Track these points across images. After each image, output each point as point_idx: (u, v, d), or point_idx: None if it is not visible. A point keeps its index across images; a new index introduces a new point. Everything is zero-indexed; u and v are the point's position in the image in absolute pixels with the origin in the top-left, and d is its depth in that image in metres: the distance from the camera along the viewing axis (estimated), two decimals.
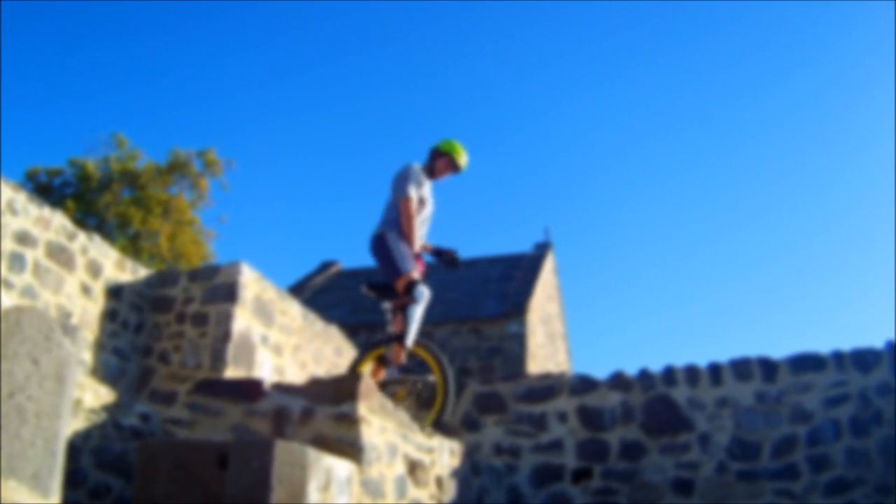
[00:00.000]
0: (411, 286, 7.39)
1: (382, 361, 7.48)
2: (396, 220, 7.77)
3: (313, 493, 4.22)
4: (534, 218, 62.62)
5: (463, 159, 8.20)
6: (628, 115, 60.47)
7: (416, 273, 7.56)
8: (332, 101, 61.81)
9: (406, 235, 7.71)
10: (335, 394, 5.04)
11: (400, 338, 7.32)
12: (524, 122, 61.25)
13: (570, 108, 61.46)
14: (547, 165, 62.93)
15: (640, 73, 59.38)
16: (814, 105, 58.42)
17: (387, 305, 7.64)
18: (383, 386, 7.02)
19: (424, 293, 7.46)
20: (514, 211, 62.32)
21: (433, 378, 7.26)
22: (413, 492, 5.47)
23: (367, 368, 7.50)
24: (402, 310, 7.39)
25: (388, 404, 5.42)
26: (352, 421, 4.90)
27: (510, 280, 20.86)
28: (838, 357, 8.15)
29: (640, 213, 61.60)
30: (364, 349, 7.81)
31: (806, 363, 8.20)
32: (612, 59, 60.49)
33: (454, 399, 7.54)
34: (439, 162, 8.16)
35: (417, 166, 8.05)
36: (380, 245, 7.70)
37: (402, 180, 7.90)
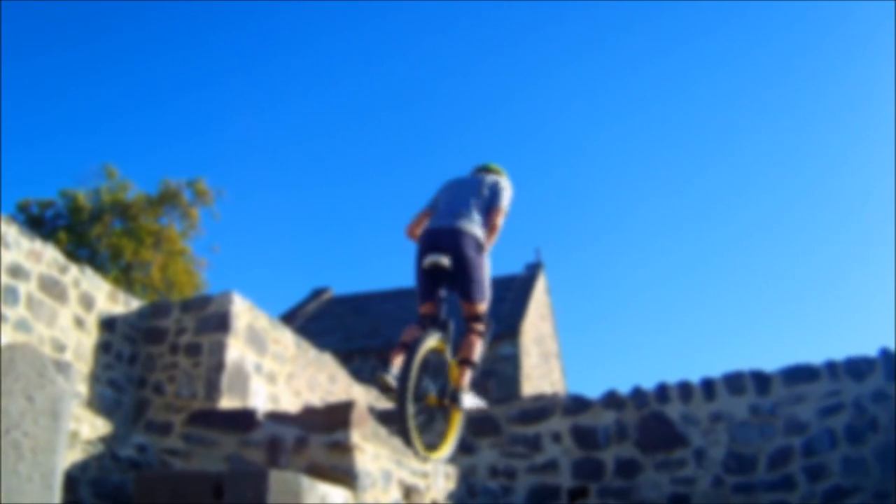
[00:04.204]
0: (489, 319, 7.03)
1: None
2: (485, 228, 7.19)
3: None
4: (524, 239, 62.73)
5: None
6: (616, 133, 60.65)
7: None
8: (321, 128, 61.96)
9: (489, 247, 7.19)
10: (328, 422, 5.06)
11: (474, 364, 6.81)
12: (511, 143, 61.38)
13: (557, 127, 61.62)
14: (536, 186, 63.06)
15: (629, 89, 59.62)
16: (806, 117, 58.60)
17: (443, 295, 7.04)
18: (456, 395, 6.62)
19: None
20: (504, 233, 62.27)
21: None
22: None
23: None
24: (478, 336, 6.88)
25: (382, 431, 5.43)
26: (345, 448, 4.93)
27: (502, 302, 20.87)
28: (831, 367, 8.20)
29: (630, 230, 61.76)
30: (419, 342, 6.44)
31: (799, 375, 8.25)
32: (600, 77, 60.70)
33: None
34: None
35: None
36: (479, 254, 6.98)
37: (506, 193, 7.47)
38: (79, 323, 9.29)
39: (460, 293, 7.00)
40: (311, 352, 11.99)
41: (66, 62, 53.13)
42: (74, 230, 26.61)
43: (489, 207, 7.29)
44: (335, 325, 21.93)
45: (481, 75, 61.97)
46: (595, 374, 52.94)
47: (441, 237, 7.00)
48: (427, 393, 6.66)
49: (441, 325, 6.92)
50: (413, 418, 6.18)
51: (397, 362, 6.45)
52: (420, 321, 6.96)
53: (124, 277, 25.51)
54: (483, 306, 6.93)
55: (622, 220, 61.80)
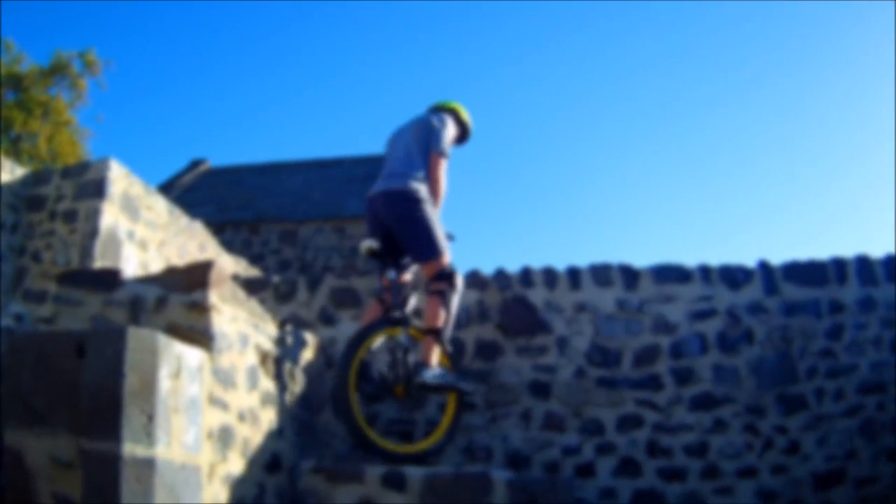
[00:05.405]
0: (452, 273, 6.40)
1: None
2: (426, 178, 6.62)
3: (164, 379, 4.31)
4: (399, 117, 62.32)
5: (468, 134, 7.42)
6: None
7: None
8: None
9: (437, 203, 6.64)
10: (188, 281, 5.06)
11: (437, 332, 6.27)
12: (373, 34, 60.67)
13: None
14: (415, 67, 62.70)
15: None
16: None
17: (392, 275, 6.58)
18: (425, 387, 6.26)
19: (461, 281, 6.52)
20: (378, 111, 62.24)
21: (472, 390, 6.79)
22: (265, 383, 5.52)
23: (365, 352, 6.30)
24: (439, 297, 6.33)
25: (241, 293, 5.49)
26: (203, 309, 4.97)
27: (374, 179, 20.94)
28: (705, 271, 8.11)
29: (502, 108, 61.69)
30: (363, 333, 6.33)
31: (669, 274, 8.13)
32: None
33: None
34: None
35: None
36: (413, 208, 6.42)
37: (443, 133, 6.80)
38: None
39: (412, 258, 6.66)
40: (183, 220, 12.10)
41: None
42: None
43: (428, 154, 6.76)
44: (210, 196, 22.10)
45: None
46: (466, 255, 53.37)
47: (375, 206, 6.67)
48: (394, 385, 6.39)
49: (396, 307, 6.50)
50: (359, 413, 6.01)
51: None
52: (381, 296, 6.70)
53: (13, 149, 25.38)
54: (442, 261, 6.42)
55: (491, 96, 61.93)
